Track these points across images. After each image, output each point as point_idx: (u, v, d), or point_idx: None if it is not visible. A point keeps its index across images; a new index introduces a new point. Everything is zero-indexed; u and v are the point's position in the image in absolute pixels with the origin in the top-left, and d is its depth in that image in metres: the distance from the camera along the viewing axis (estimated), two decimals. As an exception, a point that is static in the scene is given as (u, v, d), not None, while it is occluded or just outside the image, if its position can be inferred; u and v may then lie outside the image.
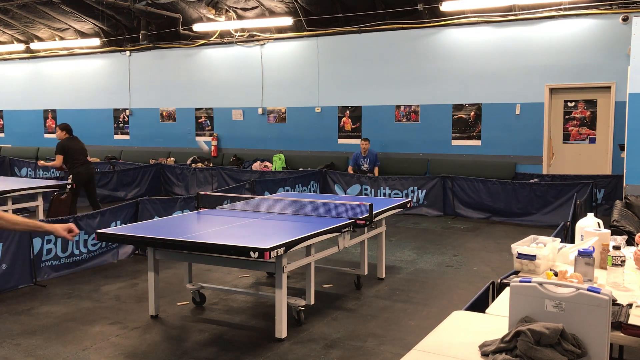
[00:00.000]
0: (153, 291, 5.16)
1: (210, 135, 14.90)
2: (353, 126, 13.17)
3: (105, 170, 12.33)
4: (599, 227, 3.62)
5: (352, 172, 11.63)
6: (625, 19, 10.33)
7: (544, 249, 3.32)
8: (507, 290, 2.92)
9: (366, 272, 6.14)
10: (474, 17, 11.60)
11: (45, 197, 8.68)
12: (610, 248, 3.23)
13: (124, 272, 6.72)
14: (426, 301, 5.64)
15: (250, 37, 14.01)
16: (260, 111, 14.18)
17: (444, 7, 11.33)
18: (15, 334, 4.81)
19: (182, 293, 5.86)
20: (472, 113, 11.94)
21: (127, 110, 16.11)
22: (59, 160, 8.70)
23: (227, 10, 13.49)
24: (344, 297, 5.75)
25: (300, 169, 12.84)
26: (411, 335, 4.71)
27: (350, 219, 5.32)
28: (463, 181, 10.11)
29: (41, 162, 9.20)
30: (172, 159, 15.01)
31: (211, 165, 13.91)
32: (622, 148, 9.19)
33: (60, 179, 10.56)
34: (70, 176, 8.77)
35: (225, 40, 14.31)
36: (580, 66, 10.87)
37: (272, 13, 13.22)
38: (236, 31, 13.98)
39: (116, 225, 6.96)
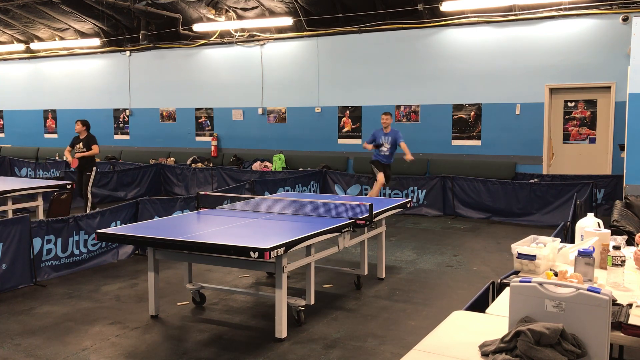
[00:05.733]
0: (153, 291, 5.16)
1: (211, 135, 14.90)
2: (353, 126, 13.17)
3: (105, 170, 12.33)
4: (599, 227, 3.62)
5: (366, 147, 9.78)
6: (625, 19, 10.33)
7: (544, 249, 3.32)
8: (507, 290, 2.92)
9: (366, 272, 6.14)
10: (474, 17, 11.60)
11: (45, 197, 8.69)
12: (610, 248, 3.23)
13: (124, 272, 6.72)
14: (426, 301, 5.64)
15: (250, 37, 14.02)
16: (260, 111, 14.19)
17: (444, 7, 11.33)
18: (15, 334, 4.81)
19: (182, 293, 5.86)
20: (472, 113, 11.94)
21: (127, 110, 16.11)
22: (96, 149, 9.73)
23: (227, 10, 13.49)
24: (344, 297, 5.75)
25: (300, 169, 12.84)
26: (411, 335, 4.71)
27: (350, 219, 5.32)
28: (463, 181, 10.11)
29: (77, 154, 9.64)
30: (172, 159, 15.02)
31: (211, 165, 13.91)
32: (622, 148, 9.19)
33: (60, 179, 10.57)
34: (95, 168, 9.86)
35: (225, 40, 14.31)
36: (580, 66, 10.87)
37: (272, 13, 13.22)
38: (236, 31, 13.98)
39: (116, 225, 6.96)
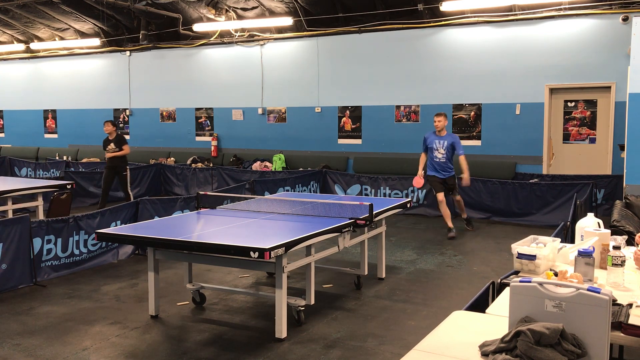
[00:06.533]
0: (153, 291, 5.16)
1: (211, 135, 14.90)
2: (353, 126, 13.16)
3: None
4: (599, 227, 3.61)
5: (423, 159, 8.77)
6: (625, 19, 10.33)
7: (544, 249, 3.32)
8: (507, 290, 2.92)
9: (366, 272, 6.14)
10: (474, 17, 11.59)
11: (45, 197, 8.69)
12: (610, 248, 3.23)
13: (124, 272, 6.72)
14: (426, 301, 5.64)
15: (250, 37, 14.01)
16: (260, 111, 14.18)
17: (444, 7, 11.33)
18: (15, 334, 4.81)
19: (182, 293, 5.86)
20: (472, 113, 11.94)
21: (127, 110, 16.11)
22: (127, 148, 10.21)
23: (227, 10, 13.49)
24: (344, 297, 5.75)
25: (300, 169, 12.84)
26: (411, 335, 4.71)
27: (350, 219, 5.31)
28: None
29: (110, 154, 10.12)
30: (172, 159, 15.01)
31: (211, 165, 13.91)
32: (622, 148, 9.19)
33: (60, 179, 10.57)
34: (127, 167, 10.26)
35: (225, 40, 14.31)
36: (580, 66, 10.86)
37: (272, 13, 13.22)
38: (236, 31, 13.98)
39: (116, 225, 6.96)
